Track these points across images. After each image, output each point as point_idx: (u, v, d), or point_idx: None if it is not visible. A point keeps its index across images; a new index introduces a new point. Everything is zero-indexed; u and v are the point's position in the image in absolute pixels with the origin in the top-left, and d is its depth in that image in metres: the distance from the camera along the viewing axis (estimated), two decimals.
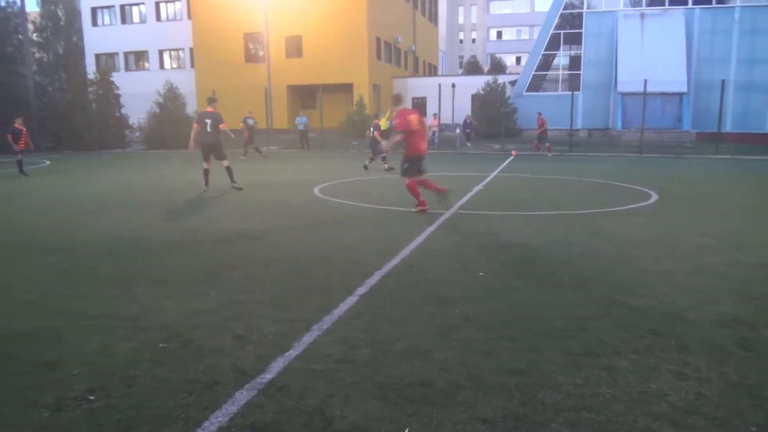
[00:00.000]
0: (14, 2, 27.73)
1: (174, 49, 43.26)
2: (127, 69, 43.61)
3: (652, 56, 30.56)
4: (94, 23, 44.17)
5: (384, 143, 8.71)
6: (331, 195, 10.57)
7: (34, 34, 28.65)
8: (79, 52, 29.94)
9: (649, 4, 33.37)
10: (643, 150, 22.48)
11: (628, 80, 29.71)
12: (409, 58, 46.19)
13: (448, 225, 7.70)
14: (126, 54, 44.27)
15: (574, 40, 35.17)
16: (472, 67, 58.54)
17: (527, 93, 35.15)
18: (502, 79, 35.29)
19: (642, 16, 32.83)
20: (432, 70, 53.81)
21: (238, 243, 6.65)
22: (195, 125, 11.43)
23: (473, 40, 75.96)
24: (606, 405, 2.84)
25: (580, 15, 34.43)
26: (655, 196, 10.41)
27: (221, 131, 11.33)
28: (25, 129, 15.07)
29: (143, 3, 43.23)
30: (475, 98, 33.81)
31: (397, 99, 8.93)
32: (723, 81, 23.00)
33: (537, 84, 36.02)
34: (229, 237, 6.99)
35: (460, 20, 76.38)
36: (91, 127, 26.20)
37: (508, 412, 2.77)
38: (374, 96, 35.90)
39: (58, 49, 28.67)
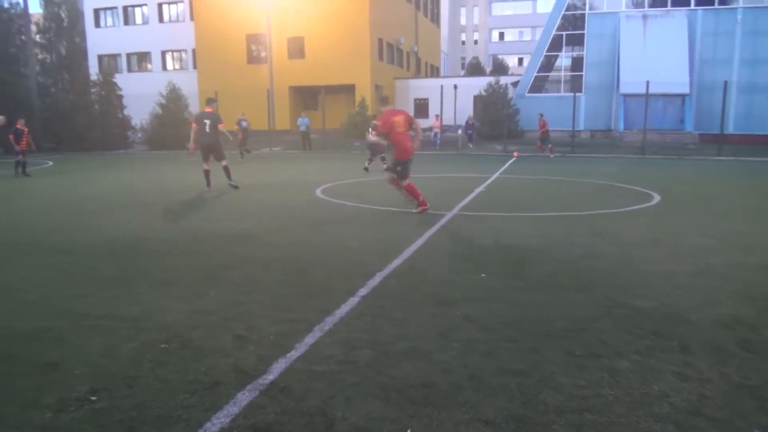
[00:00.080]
0: (17, 3, 27.88)
1: (176, 51, 43.34)
2: (129, 70, 43.70)
3: (654, 57, 30.52)
4: (97, 24, 44.28)
5: (370, 137, 8.88)
6: (332, 196, 10.58)
7: (37, 36, 28.74)
8: (81, 53, 30.06)
9: (652, 6, 33.34)
10: (645, 151, 22.46)
11: (631, 81, 29.66)
12: (411, 59, 46.20)
13: (450, 226, 7.70)
14: (128, 55, 44.36)
15: (577, 41, 35.13)
16: (474, 69, 58.56)
17: (529, 94, 35.13)
18: (504, 80, 35.26)
19: (644, 17, 32.80)
20: (434, 72, 53.82)
21: (239, 243, 6.65)
22: (194, 125, 11.48)
23: (475, 42, 75.94)
24: (608, 406, 2.84)
25: (583, 16, 34.40)
26: (657, 198, 10.40)
27: (220, 132, 11.38)
28: (26, 129, 15.12)
29: (146, 4, 43.33)
30: (477, 99, 33.80)
31: (384, 100, 8.99)
32: (725, 82, 22.97)
33: (539, 85, 35.99)
34: (230, 237, 6.99)
35: (463, 21, 76.37)
36: (94, 128, 26.26)
37: (509, 413, 2.77)
38: (376, 97, 35.89)
39: (61, 50, 28.77)
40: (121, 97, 27.84)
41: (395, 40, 41.30)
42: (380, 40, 38.32)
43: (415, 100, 40.24)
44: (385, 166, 15.29)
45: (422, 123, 36.11)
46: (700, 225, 7.81)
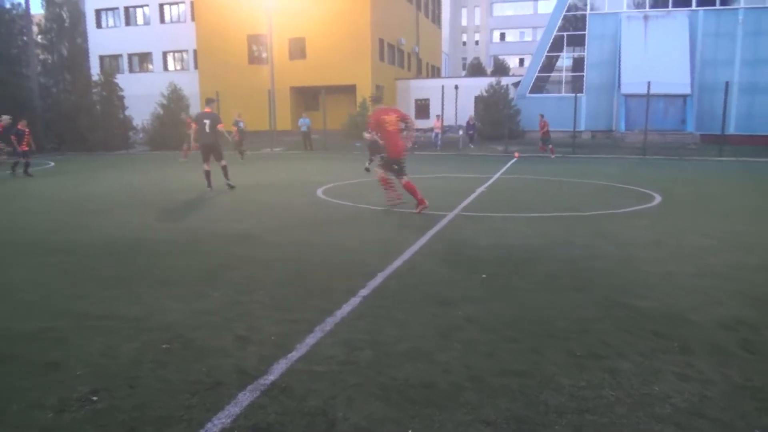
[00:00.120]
0: (19, 4, 27.92)
1: (178, 51, 43.37)
2: (131, 70, 43.74)
3: (655, 58, 30.50)
4: (99, 25, 44.32)
5: (366, 135, 8.99)
6: (333, 196, 10.58)
7: (39, 36, 28.78)
8: (83, 53, 30.10)
9: (653, 6, 33.33)
10: (646, 152, 22.44)
11: (632, 82, 29.64)
12: (412, 59, 46.21)
13: (451, 226, 7.70)
14: (130, 56, 44.40)
15: (578, 41, 35.12)
16: (475, 69, 58.58)
17: (530, 95, 35.11)
18: (505, 80, 35.25)
19: (645, 18, 32.79)
20: (435, 72, 53.83)
21: (239, 244, 6.65)
22: (193, 126, 11.49)
23: (476, 42, 75.93)
24: (609, 407, 2.83)
25: (584, 17, 34.38)
26: (658, 198, 10.39)
27: (219, 132, 11.41)
28: (28, 130, 15.16)
29: (147, 5, 43.37)
30: (478, 100, 33.78)
31: (375, 99, 9.06)
32: (727, 83, 22.94)
33: (540, 86, 35.98)
34: (231, 237, 7.00)
35: (464, 22, 76.36)
36: (95, 128, 26.28)
37: (510, 414, 2.76)
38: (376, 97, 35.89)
39: (63, 50, 28.81)
40: (122, 97, 27.86)
41: (396, 41, 41.31)
42: (381, 41, 38.33)
43: (416, 100, 40.23)
44: (370, 165, 15.37)
45: (423, 124, 36.10)
46: (701, 225, 7.80)
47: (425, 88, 39.47)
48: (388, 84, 38.72)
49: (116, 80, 28.14)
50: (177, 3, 42.83)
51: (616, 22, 33.22)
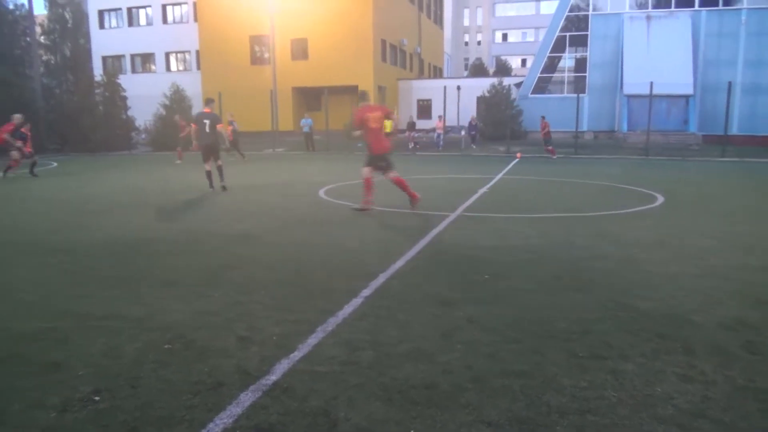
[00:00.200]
0: (22, 5, 28.02)
1: (180, 52, 43.48)
2: (133, 71, 43.86)
3: (658, 58, 30.48)
4: (101, 26, 44.46)
5: (354, 133, 9.01)
6: (335, 197, 10.58)
7: (42, 37, 28.90)
8: (86, 54, 30.23)
9: (655, 7, 33.30)
10: (649, 152, 22.41)
11: (634, 82, 29.64)
12: (414, 60, 46.23)
13: (453, 227, 7.69)
14: (132, 56, 44.52)
15: (580, 42, 35.11)
16: (478, 70, 58.59)
17: (533, 95, 35.12)
18: (507, 81, 35.25)
19: (648, 18, 32.76)
20: (437, 73, 53.84)
21: (241, 244, 6.66)
22: (193, 126, 11.53)
23: (478, 43, 75.93)
24: (611, 408, 2.83)
25: (586, 17, 34.37)
26: (661, 199, 10.37)
27: (219, 132, 11.44)
28: (29, 134, 15.34)
29: (150, 6, 43.48)
30: (481, 100, 33.79)
31: (362, 96, 9.05)
32: (729, 83, 22.91)
33: (542, 86, 35.98)
34: (232, 238, 7.00)
35: (466, 22, 76.37)
36: (98, 129, 26.33)
37: (512, 415, 2.76)
38: (379, 98, 35.92)
39: (66, 51, 28.92)
40: (125, 98, 27.92)
41: (398, 42, 41.35)
42: (383, 42, 38.37)
43: (418, 101, 40.27)
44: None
45: (425, 124, 36.10)
46: (704, 226, 7.78)
47: (427, 88, 39.53)
48: (390, 84, 38.74)
49: (119, 81, 28.22)
50: (180, 4, 42.94)
51: (619, 22, 33.20)
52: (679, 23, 32.04)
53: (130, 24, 44.24)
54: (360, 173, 8.97)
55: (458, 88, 27.32)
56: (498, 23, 75.49)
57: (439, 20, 54.54)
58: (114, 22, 44.77)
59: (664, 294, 4.65)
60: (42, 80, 27.03)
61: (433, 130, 28.68)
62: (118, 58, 44.20)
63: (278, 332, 3.82)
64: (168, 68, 43.59)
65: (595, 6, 34.12)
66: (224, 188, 11.50)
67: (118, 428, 2.67)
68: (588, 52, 34.52)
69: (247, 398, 2.91)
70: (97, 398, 2.93)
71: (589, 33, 34.18)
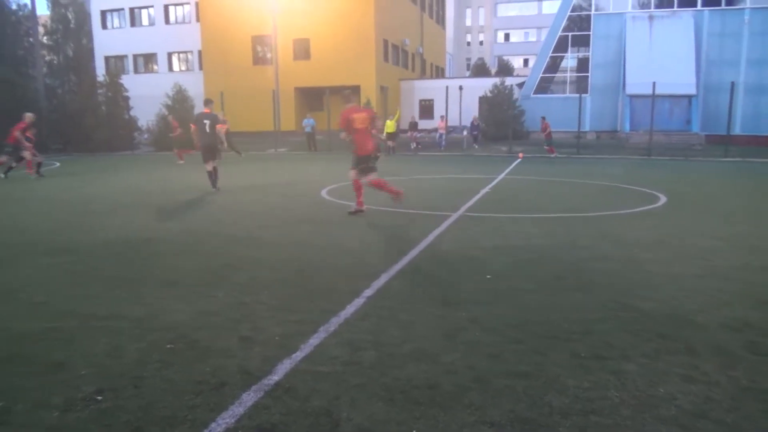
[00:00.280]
0: (25, 5, 28.08)
1: (183, 52, 43.52)
2: (136, 71, 43.91)
3: (660, 58, 30.43)
4: (104, 26, 44.52)
5: (342, 135, 8.97)
6: (337, 197, 10.58)
7: (45, 37, 28.90)
8: (88, 54, 30.19)
9: (658, 6, 33.24)
10: (651, 152, 22.38)
11: (637, 82, 29.58)
12: (416, 60, 46.22)
13: (455, 227, 7.69)
14: (135, 56, 44.58)
15: (582, 42, 35.07)
16: (480, 70, 58.51)
17: (535, 95, 35.09)
18: (509, 81, 35.22)
19: (650, 18, 32.71)
20: (439, 73, 53.82)
21: (243, 244, 6.66)
22: (192, 126, 11.57)
23: (480, 43, 75.87)
24: (614, 409, 2.82)
25: (588, 17, 34.34)
26: (663, 199, 10.36)
27: (218, 132, 11.49)
28: (33, 138, 15.48)
29: (152, 6, 43.53)
30: (483, 100, 33.77)
31: (346, 97, 8.99)
32: (732, 83, 22.88)
33: (545, 86, 35.94)
34: (234, 238, 7.01)
35: (468, 22, 76.31)
36: (100, 129, 26.39)
37: (515, 416, 2.76)
38: (381, 98, 35.93)
39: (68, 51, 28.91)
40: (127, 98, 27.98)
41: (400, 42, 41.33)
42: (385, 42, 38.36)
43: (421, 101, 40.26)
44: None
45: (428, 124, 36.08)
46: (706, 226, 7.77)
47: (429, 88, 39.51)
48: (392, 84, 38.75)
49: (121, 81, 28.28)
50: (182, 4, 42.98)
51: (621, 22, 33.15)
52: (681, 23, 31.98)
53: (133, 24, 44.30)
54: (348, 176, 8.94)
55: (460, 88, 27.36)
56: (500, 23, 75.42)
57: (441, 20, 54.51)
58: (116, 23, 44.84)
59: (666, 294, 4.65)
60: (45, 80, 27.07)
61: (436, 130, 28.67)
62: (121, 58, 44.27)
63: (280, 332, 3.82)
64: (170, 68, 43.63)
65: (598, 6, 34.07)
66: (216, 189, 11.51)
67: (121, 428, 2.67)
68: (590, 52, 34.48)
69: (249, 398, 2.92)
70: (100, 398, 2.94)
71: (591, 33, 34.14)
